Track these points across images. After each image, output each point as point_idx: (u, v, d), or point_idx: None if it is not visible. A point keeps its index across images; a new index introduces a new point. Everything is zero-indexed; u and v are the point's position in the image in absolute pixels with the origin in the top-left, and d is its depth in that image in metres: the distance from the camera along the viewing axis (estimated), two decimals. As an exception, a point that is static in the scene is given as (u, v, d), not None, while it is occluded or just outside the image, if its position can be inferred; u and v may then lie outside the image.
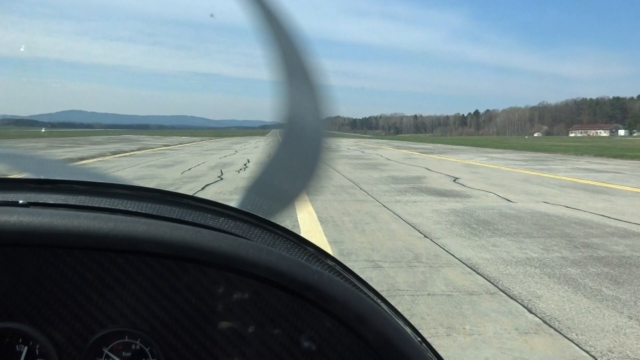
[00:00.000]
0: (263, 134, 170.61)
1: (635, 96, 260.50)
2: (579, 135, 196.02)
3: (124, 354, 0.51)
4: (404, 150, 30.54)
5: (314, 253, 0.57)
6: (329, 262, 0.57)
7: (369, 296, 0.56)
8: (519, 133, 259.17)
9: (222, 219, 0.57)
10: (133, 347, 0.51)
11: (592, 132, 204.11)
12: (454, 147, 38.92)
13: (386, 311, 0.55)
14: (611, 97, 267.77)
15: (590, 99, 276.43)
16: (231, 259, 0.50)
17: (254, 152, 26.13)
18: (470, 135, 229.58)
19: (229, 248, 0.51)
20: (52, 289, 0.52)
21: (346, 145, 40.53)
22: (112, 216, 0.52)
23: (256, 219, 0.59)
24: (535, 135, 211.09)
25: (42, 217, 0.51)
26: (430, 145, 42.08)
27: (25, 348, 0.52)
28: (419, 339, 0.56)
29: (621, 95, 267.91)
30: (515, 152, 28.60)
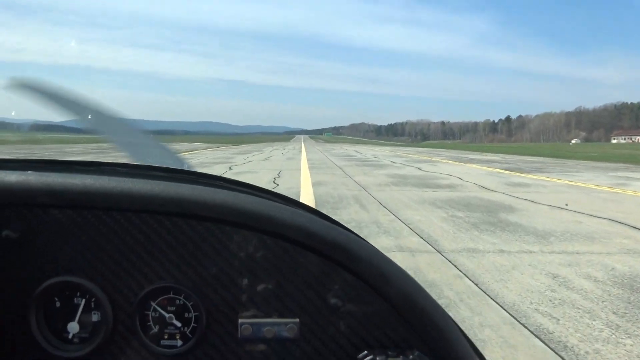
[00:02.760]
0: (287, 140, 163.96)
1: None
2: (623, 141, 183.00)
3: (169, 307, 0.57)
4: (477, 167, 21.36)
5: (329, 224, 0.58)
6: (345, 230, 0.58)
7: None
8: (554, 140, 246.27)
9: (269, 202, 0.58)
10: (177, 302, 0.57)
11: (637, 138, 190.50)
12: (526, 158, 29.65)
13: (408, 274, 0.58)
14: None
15: (632, 103, 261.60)
16: (266, 221, 0.54)
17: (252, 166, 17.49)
18: (503, 143, 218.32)
19: (265, 209, 0.55)
20: (107, 248, 0.58)
21: (387, 157, 31.37)
22: (161, 182, 0.57)
23: (284, 199, 0.62)
24: (573, 142, 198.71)
25: (100, 181, 0.56)
26: (493, 156, 32.74)
27: (83, 300, 0.58)
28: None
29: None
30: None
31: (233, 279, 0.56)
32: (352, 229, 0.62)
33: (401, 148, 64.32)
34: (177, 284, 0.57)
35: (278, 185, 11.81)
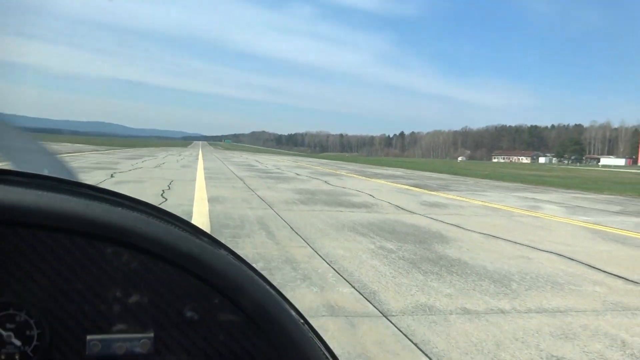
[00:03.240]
0: (184, 145, 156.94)
1: (549, 125, 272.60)
2: (502, 160, 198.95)
3: (7, 325, 0.51)
4: (385, 182, 20.64)
5: (208, 242, 0.57)
6: (222, 251, 0.57)
7: (250, 270, 0.57)
8: (443, 156, 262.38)
9: (119, 208, 0.55)
10: (17, 318, 0.52)
11: (514, 158, 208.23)
12: (427, 173, 29.78)
13: (264, 284, 0.56)
14: (529, 125, 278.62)
15: (510, 126, 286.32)
16: (117, 231, 0.52)
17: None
18: (398, 157, 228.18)
19: (118, 220, 0.52)
20: None
21: (290, 168, 29.98)
22: (4, 186, 0.53)
23: (156, 210, 0.59)
24: (460, 159, 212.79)
25: None
26: (395, 171, 32.62)
27: None
28: (300, 318, 0.58)
29: (538, 124, 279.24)
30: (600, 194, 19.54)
31: (82, 293, 0.52)
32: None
33: (302, 158, 63.48)
34: (17, 300, 0.52)
35: (166, 200, 9.79)
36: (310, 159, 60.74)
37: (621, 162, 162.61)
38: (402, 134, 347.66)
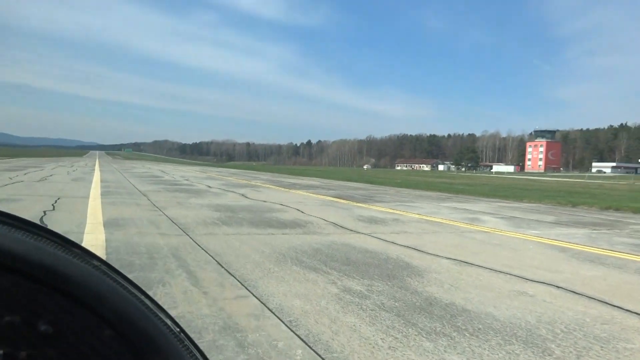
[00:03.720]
0: (79, 155, 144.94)
1: (446, 135, 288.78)
2: (405, 168, 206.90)
3: None
4: (306, 194, 19.24)
5: (79, 253, 0.54)
6: (95, 262, 0.54)
7: (113, 278, 0.54)
8: (349, 164, 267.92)
9: None
10: None
11: (416, 166, 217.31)
12: (343, 183, 28.84)
13: (129, 292, 0.54)
14: (428, 134, 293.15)
15: (411, 135, 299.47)
16: None
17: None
18: (306, 165, 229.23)
19: None
20: None
21: (200, 180, 27.69)
22: None
23: (20, 221, 0.55)
24: (365, 167, 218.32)
25: None
26: (311, 181, 31.37)
27: None
28: (175, 327, 0.56)
29: (436, 133, 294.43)
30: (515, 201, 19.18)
31: None
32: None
33: (209, 168, 60.49)
34: None
35: (47, 225, 7.56)
36: (219, 169, 58.02)
37: (510, 169, 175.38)
38: (309, 142, 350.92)
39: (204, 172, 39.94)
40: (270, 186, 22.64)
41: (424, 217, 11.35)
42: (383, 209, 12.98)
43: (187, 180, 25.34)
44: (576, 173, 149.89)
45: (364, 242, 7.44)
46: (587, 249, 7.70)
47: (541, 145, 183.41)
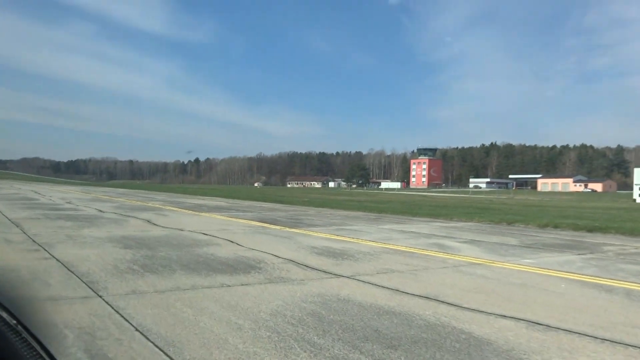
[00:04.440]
0: None
1: (334, 153, 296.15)
2: (296, 185, 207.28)
3: None
4: (223, 218, 16.64)
5: None
6: None
7: None
8: (239, 182, 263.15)
9: None
10: None
11: (307, 183, 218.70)
12: (251, 203, 26.34)
13: None
14: (317, 152, 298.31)
15: (301, 152, 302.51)
16: None
17: None
18: (194, 183, 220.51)
19: None
20: None
21: (85, 202, 23.65)
22: None
23: None
24: (256, 184, 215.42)
25: None
26: (213, 201, 28.36)
27: None
28: (12, 320, 0.56)
29: (325, 151, 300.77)
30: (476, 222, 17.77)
31: None
32: None
33: (91, 188, 54.26)
34: None
35: None
36: (104, 189, 52.19)
37: (397, 185, 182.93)
38: (197, 160, 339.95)
39: (87, 193, 35.04)
40: (174, 208, 19.57)
41: (386, 246, 9.45)
42: (327, 236, 10.90)
43: (69, 203, 21.24)
44: (456, 188, 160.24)
45: (363, 293, 5.28)
46: (622, 284, 6.25)
47: (424, 163, 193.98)
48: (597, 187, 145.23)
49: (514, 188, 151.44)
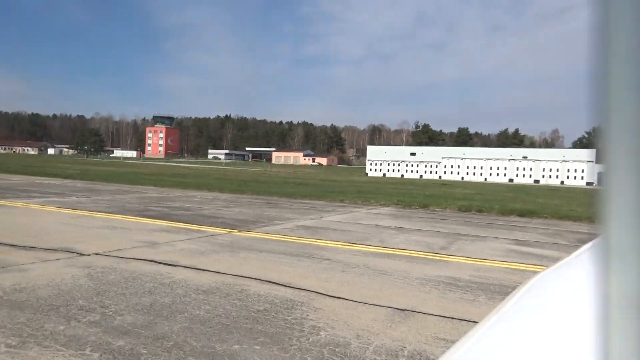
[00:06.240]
0: None
1: (51, 114, 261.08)
2: (4, 151, 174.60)
3: None
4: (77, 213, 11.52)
5: None
6: None
7: None
8: None
9: None
10: None
11: (18, 149, 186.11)
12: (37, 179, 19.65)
13: None
14: (29, 112, 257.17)
15: (7, 112, 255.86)
16: None
17: None
18: None
19: None
20: None
21: None
22: None
23: None
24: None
25: None
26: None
27: None
28: None
29: (40, 112, 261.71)
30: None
31: None
32: None
33: None
34: None
35: None
36: None
37: (133, 153, 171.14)
38: None
39: None
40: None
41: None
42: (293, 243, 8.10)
43: None
44: (195, 159, 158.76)
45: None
46: None
47: (161, 132, 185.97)
48: (323, 161, 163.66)
49: (250, 160, 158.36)
